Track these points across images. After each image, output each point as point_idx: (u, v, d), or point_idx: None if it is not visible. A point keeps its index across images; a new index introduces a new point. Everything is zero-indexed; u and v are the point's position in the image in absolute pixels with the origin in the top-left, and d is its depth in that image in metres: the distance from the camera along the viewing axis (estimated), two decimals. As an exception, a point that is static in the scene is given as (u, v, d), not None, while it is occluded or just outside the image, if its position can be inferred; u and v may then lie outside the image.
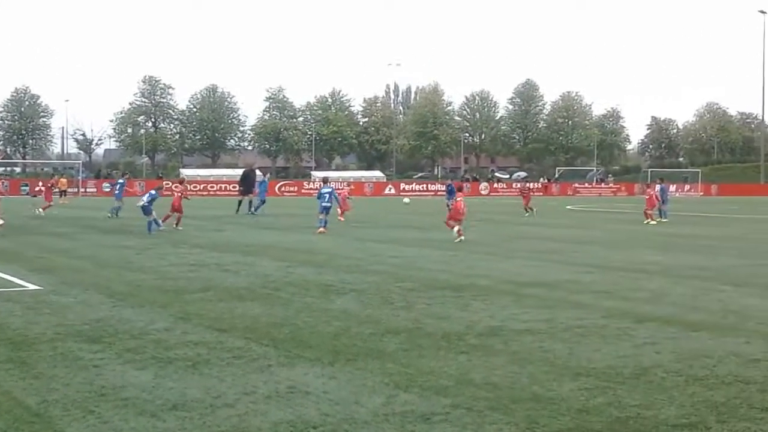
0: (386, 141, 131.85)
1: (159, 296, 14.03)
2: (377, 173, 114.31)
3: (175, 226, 29.35)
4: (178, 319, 11.81)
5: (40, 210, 38.34)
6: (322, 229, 28.64)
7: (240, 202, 41.62)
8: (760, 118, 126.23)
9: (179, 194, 31.26)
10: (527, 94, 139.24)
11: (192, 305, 13.06)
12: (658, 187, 40.07)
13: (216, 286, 15.28)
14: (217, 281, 15.93)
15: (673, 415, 7.30)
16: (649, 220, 36.17)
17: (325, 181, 34.69)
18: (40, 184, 52.70)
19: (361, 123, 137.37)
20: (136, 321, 11.65)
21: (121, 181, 42.70)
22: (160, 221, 28.48)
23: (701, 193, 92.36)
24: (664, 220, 37.86)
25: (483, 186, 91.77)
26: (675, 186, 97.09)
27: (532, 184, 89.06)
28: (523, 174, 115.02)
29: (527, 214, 41.37)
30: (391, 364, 9.17)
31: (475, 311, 12.74)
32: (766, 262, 20.31)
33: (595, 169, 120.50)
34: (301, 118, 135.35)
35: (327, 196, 29.92)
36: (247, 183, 42.60)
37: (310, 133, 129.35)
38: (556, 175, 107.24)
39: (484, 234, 29.00)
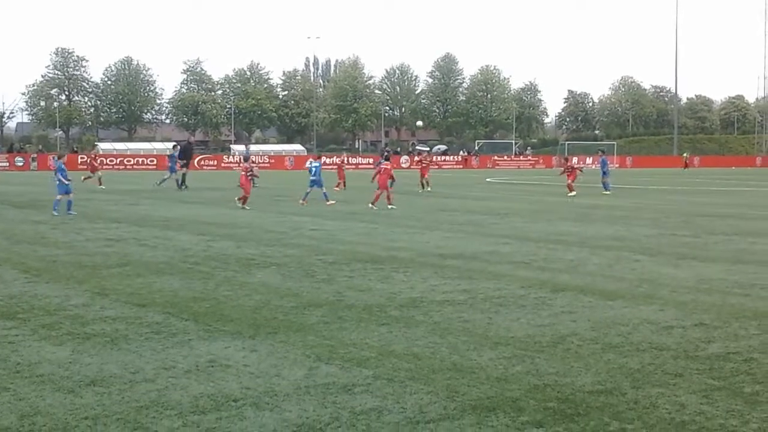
0: (306, 114, 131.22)
1: (75, 271, 13.77)
2: (297, 147, 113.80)
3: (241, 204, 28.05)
4: (95, 295, 11.62)
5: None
6: (302, 202, 29.95)
7: (184, 176, 40.90)
8: (673, 91, 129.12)
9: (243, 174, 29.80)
10: (447, 68, 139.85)
11: (109, 280, 12.86)
12: (600, 159, 40.76)
13: (134, 260, 15.06)
14: (135, 256, 15.70)
15: (589, 382, 7.45)
16: (571, 192, 36.37)
17: (318, 156, 35.61)
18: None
19: (280, 96, 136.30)
20: (51, 297, 11.43)
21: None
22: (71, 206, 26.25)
23: (617, 165, 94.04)
24: (606, 192, 38.30)
25: (404, 159, 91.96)
26: (591, 158, 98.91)
27: (438, 156, 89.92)
28: (443, 147, 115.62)
29: (422, 190, 39.82)
30: (312, 336, 9.17)
31: (396, 283, 12.80)
32: (679, 232, 20.80)
33: (518, 142, 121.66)
34: (219, 91, 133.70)
35: (314, 170, 30.81)
36: (187, 156, 42.70)
37: (228, 106, 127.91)
38: (476, 148, 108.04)
39: (406, 207, 29.09)
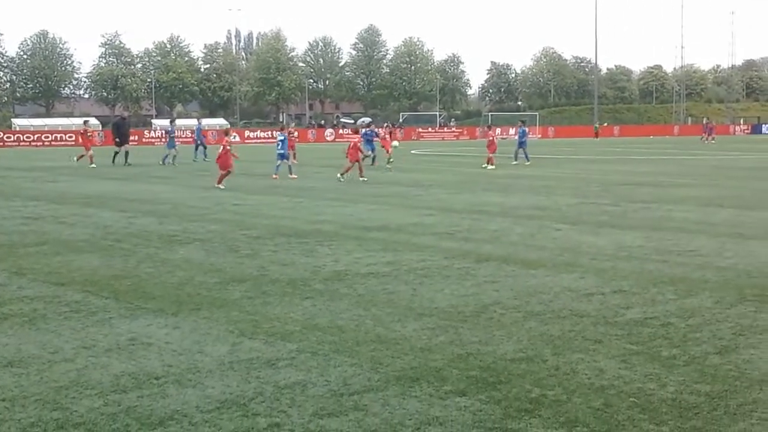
0: (229, 88, 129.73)
1: (-9, 251, 13.44)
2: (221, 120, 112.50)
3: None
4: (12, 274, 11.36)
5: None
6: (274, 176, 29.67)
7: (116, 153, 39.76)
8: (593, 61, 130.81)
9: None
10: (370, 40, 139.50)
11: (26, 259, 12.58)
12: (520, 129, 41.01)
13: (52, 239, 14.76)
14: (53, 234, 15.39)
15: (511, 350, 7.54)
16: (489, 164, 36.34)
17: (281, 128, 34.85)
18: None
19: (202, 70, 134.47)
20: (-34, 278, 11.13)
21: None
22: None
23: (539, 136, 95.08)
24: (527, 162, 38.52)
25: (329, 132, 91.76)
26: (514, 129, 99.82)
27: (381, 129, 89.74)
28: (367, 119, 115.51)
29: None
30: (236, 312, 9.10)
31: (321, 256, 12.78)
32: (599, 201, 21.14)
33: (442, 114, 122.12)
34: (139, 65, 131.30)
35: (280, 143, 30.53)
36: (121, 133, 40.66)
37: (149, 80, 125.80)
38: (401, 120, 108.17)
39: (330, 180, 29.03)
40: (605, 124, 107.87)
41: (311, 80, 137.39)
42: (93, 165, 36.94)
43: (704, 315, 8.84)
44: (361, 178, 28.34)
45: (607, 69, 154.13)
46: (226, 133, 28.09)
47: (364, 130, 36.86)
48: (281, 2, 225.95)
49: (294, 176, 29.56)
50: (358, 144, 29.84)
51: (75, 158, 38.60)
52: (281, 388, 6.52)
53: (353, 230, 15.86)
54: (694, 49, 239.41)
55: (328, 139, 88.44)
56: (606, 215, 18.11)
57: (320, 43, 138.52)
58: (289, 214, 18.72)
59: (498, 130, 69.46)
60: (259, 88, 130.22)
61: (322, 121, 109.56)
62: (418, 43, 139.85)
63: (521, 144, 40.11)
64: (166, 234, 15.31)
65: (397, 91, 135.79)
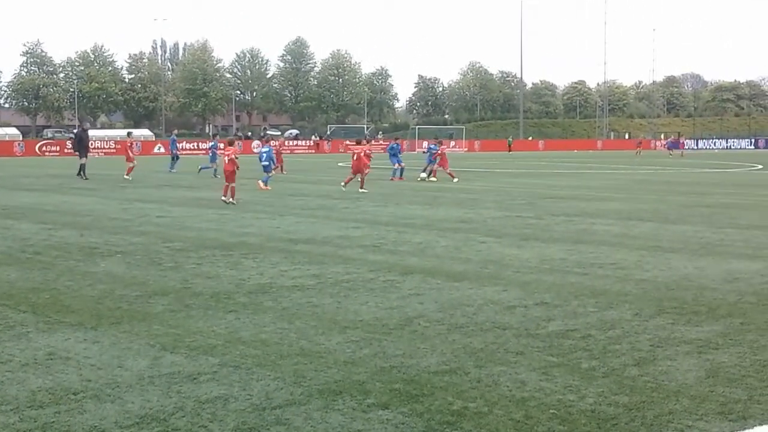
0: (154, 98, 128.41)
1: None
2: (145, 131, 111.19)
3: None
4: (-74, 288, 11.05)
5: None
6: (262, 185, 30.23)
7: (82, 167, 37.75)
8: (519, 76, 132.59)
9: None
10: (298, 52, 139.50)
11: (-59, 273, 12.24)
12: (432, 145, 41.07)
13: (-31, 251, 14.39)
14: (-30, 246, 15.00)
15: (435, 362, 7.58)
16: (453, 178, 36.19)
17: (267, 140, 35.47)
18: None
19: (127, 80, 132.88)
20: None
21: None
22: None
23: (465, 149, 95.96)
24: (423, 174, 38.41)
25: (255, 144, 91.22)
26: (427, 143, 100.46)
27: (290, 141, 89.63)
28: (295, 131, 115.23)
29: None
30: (158, 325, 8.98)
31: (245, 269, 12.69)
32: (523, 214, 21.39)
33: (370, 126, 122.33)
34: (62, 75, 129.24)
35: (264, 155, 31.41)
36: (82, 145, 38.68)
37: (72, 90, 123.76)
38: (328, 133, 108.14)
39: (256, 192, 28.88)
40: (530, 138, 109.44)
41: (238, 92, 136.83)
42: (128, 177, 36.34)
43: (623, 327, 9.00)
44: (360, 190, 29.02)
45: (533, 84, 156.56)
46: (231, 143, 26.79)
47: (391, 144, 38.05)
48: (208, 13, 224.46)
49: (268, 187, 29.97)
50: (362, 155, 30.28)
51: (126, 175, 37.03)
52: (202, 402, 6.45)
53: (279, 243, 15.79)
54: (617, 65, 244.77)
55: (255, 151, 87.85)
56: (530, 228, 18.33)
57: (248, 55, 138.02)
58: (214, 226, 18.56)
59: (425, 144, 69.78)
60: (185, 99, 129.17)
61: (249, 133, 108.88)
62: (346, 55, 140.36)
63: (431, 161, 39.72)
64: (87, 246, 15.05)
65: (324, 104, 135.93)
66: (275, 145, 39.93)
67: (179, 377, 7.09)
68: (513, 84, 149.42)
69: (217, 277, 11.96)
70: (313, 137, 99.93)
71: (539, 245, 15.53)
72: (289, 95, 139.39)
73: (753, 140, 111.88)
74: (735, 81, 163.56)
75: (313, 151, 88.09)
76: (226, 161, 25.11)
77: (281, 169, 41.30)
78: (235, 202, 24.21)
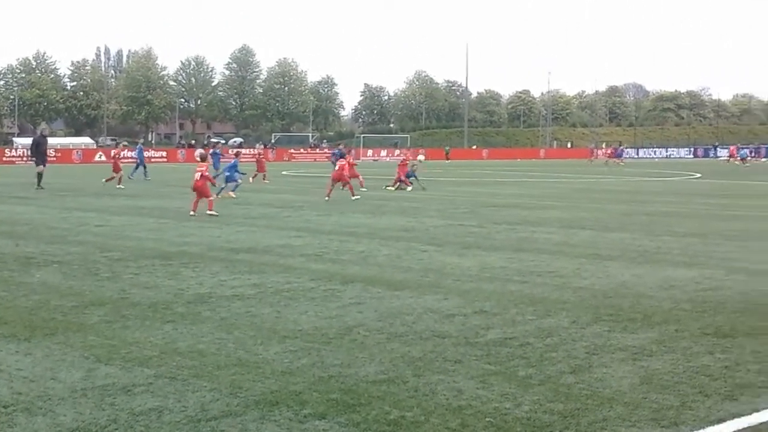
0: (97, 106, 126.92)
1: None
2: (86, 140, 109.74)
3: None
4: None
5: None
6: (231, 193, 29.80)
7: (40, 175, 35.93)
8: (464, 85, 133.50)
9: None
10: (243, 60, 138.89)
11: None
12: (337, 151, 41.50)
13: None
14: None
15: (373, 372, 7.57)
16: (405, 185, 36.29)
17: (236, 154, 34.57)
18: None
19: (68, 87, 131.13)
20: None
21: None
22: None
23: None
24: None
25: (198, 153, 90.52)
26: (386, 150, 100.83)
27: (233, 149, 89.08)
28: (239, 140, 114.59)
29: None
30: (93, 336, 8.84)
31: (184, 279, 12.57)
32: (465, 222, 21.49)
33: (315, 135, 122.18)
34: (1, 82, 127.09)
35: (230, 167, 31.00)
36: (39, 152, 36.70)
37: (12, 97, 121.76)
38: (273, 141, 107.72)
39: (199, 202, 28.60)
40: (474, 147, 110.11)
41: (182, 99, 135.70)
42: (120, 186, 36.34)
43: (561, 335, 9.08)
44: (353, 197, 29.55)
45: (478, 93, 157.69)
46: (203, 158, 26.34)
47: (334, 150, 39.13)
48: (153, 20, 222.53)
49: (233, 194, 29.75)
50: (345, 166, 30.89)
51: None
52: (136, 414, 6.36)
53: (220, 252, 15.67)
54: (560, 75, 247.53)
55: (198, 159, 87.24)
56: (471, 236, 18.43)
57: (192, 62, 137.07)
58: (153, 235, 18.36)
59: (369, 152, 69.99)
60: (129, 107, 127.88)
61: (193, 141, 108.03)
62: (292, 64, 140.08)
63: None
64: (22, 256, 14.78)
65: (270, 112, 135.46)
66: (257, 153, 39.81)
67: (113, 389, 6.99)
68: (458, 93, 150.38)
69: (155, 287, 11.83)
70: (257, 145, 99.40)
71: (480, 254, 15.61)
72: (234, 103, 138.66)
73: (692, 149, 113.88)
74: (676, 91, 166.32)
75: (256, 160, 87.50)
76: (198, 177, 24.14)
77: (264, 177, 41.83)
78: (216, 213, 23.10)
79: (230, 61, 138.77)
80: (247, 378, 7.35)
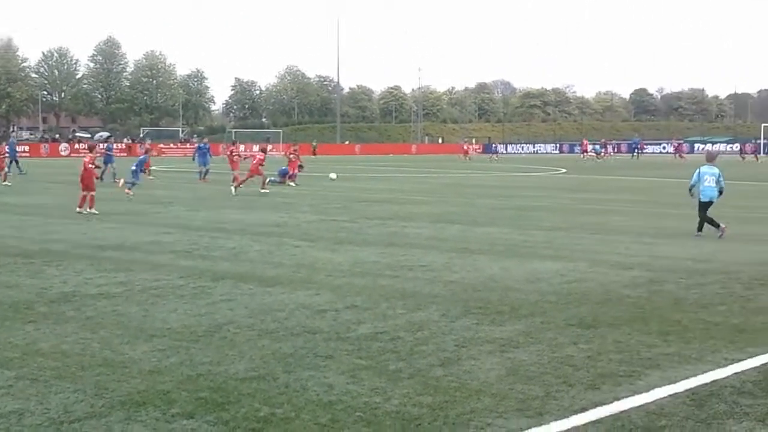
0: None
1: None
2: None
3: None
4: None
5: None
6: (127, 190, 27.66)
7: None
8: (336, 81, 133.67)
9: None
10: (109, 52, 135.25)
11: None
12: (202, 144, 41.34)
13: None
14: None
15: (243, 369, 7.50)
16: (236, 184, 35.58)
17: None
18: None
19: None
20: None
21: None
22: None
23: (283, 153, 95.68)
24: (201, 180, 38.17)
25: (63, 147, 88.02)
26: (258, 146, 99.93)
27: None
28: (105, 134, 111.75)
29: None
30: (-52, 339, 8.48)
31: (48, 278, 12.19)
32: (338, 218, 21.52)
33: (185, 129, 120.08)
34: None
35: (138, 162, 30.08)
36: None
37: None
38: (141, 135, 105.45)
39: (62, 197, 27.78)
40: (347, 142, 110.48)
41: (45, 92, 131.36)
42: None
43: (431, 328, 9.19)
44: (262, 191, 30.16)
45: (350, 88, 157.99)
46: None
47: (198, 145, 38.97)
48: (12, 10, 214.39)
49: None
50: (263, 160, 31.63)
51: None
52: (-5, 419, 6.13)
53: (86, 249, 15.26)
54: (430, 72, 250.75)
55: (62, 154, 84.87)
56: (344, 232, 18.47)
57: (55, 54, 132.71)
58: (15, 233, 17.74)
59: (242, 147, 69.15)
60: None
61: (57, 136, 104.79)
62: (160, 57, 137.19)
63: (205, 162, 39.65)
64: None
65: (138, 106, 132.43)
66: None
67: (-30, 393, 6.71)
68: (330, 88, 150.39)
69: (16, 287, 11.43)
70: (125, 139, 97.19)
71: (352, 249, 15.67)
72: (99, 96, 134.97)
73: (558, 145, 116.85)
74: (542, 88, 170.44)
75: (126, 154, 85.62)
76: (84, 169, 22.88)
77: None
78: (96, 212, 22.17)
79: (95, 53, 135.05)
80: (113, 378, 7.18)
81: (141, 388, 6.92)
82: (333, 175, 40.06)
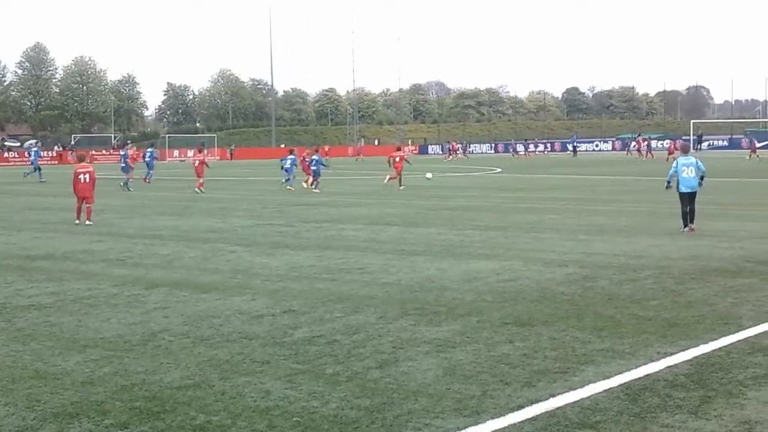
0: None
1: None
2: None
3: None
4: None
5: None
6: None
7: None
8: (270, 84, 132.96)
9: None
10: (37, 59, 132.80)
11: None
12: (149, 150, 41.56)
13: None
14: None
15: (178, 377, 7.41)
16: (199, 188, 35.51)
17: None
18: None
19: None
20: None
21: None
22: None
23: (218, 158, 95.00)
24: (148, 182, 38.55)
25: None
26: (192, 151, 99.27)
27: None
28: (35, 142, 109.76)
29: None
30: None
31: (-23, 289, 11.92)
32: (274, 222, 21.41)
33: (118, 136, 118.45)
34: None
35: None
36: None
37: None
38: (72, 143, 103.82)
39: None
40: (282, 146, 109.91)
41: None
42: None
43: (368, 331, 9.18)
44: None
45: (284, 92, 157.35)
46: (81, 158, 24.05)
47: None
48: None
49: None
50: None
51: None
52: None
53: (15, 260, 14.97)
54: (365, 74, 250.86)
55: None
56: (280, 236, 18.38)
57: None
58: (-58, 244, 17.32)
59: (176, 152, 68.68)
60: None
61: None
62: (90, 62, 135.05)
63: (150, 166, 40.86)
64: None
65: (68, 112, 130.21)
66: (201, 158, 37.32)
67: None
68: (264, 92, 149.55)
69: (-57, 300, 11.16)
70: (56, 147, 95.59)
71: (289, 252, 15.60)
72: (29, 104, 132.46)
73: (493, 145, 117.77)
74: (476, 88, 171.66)
75: (57, 162, 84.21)
76: (84, 180, 22.02)
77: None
78: (92, 222, 21.55)
79: (22, 59, 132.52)
80: (45, 390, 7.05)
81: (74, 399, 6.80)
82: (429, 175, 40.08)
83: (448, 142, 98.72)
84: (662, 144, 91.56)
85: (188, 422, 6.24)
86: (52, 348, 8.54)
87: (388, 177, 36.34)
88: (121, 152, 41.76)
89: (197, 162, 35.61)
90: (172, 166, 66.83)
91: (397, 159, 36.18)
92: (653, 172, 43.81)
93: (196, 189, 33.97)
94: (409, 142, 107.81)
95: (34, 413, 6.48)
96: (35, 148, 53.11)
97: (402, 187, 34.38)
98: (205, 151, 40.01)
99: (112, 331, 9.27)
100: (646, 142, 76.01)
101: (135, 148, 43.61)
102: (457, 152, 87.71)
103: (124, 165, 39.92)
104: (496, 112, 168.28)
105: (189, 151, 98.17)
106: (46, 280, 12.66)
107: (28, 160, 54.40)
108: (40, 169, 48.27)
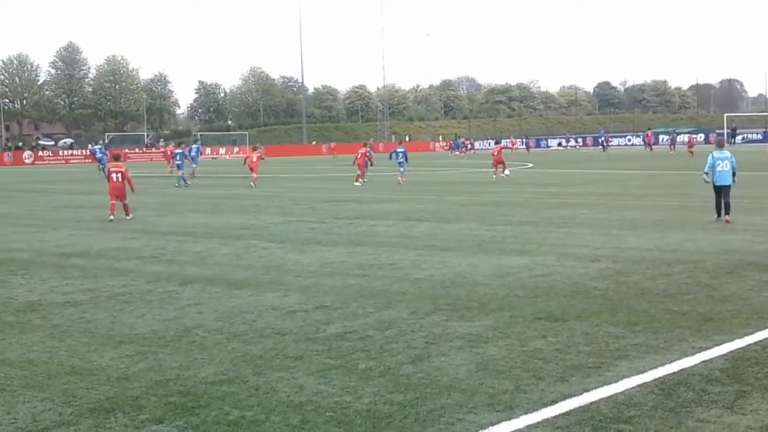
0: None
1: None
2: None
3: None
4: None
5: None
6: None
7: None
8: (301, 81, 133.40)
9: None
10: (70, 58, 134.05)
11: None
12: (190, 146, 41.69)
13: None
14: None
15: (212, 372, 7.46)
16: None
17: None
18: None
19: None
20: None
21: None
22: None
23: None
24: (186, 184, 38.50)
25: (27, 155, 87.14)
26: (225, 148, 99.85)
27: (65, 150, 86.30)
28: (70, 141, 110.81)
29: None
30: None
31: (13, 287, 12.08)
32: (306, 218, 21.48)
33: (150, 134, 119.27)
34: None
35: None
36: None
37: None
38: (106, 141, 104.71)
39: (26, 205, 27.56)
40: (314, 143, 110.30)
41: (6, 100, 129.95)
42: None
43: (400, 326, 9.19)
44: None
45: (315, 89, 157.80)
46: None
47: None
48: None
49: None
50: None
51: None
52: (-39, 431, 6.06)
53: (51, 257, 15.12)
54: (396, 70, 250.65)
55: (26, 161, 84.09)
56: (311, 232, 18.44)
57: (15, 61, 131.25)
58: (-21, 242, 17.54)
59: (208, 150, 69.16)
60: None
61: (20, 144, 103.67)
62: (122, 61, 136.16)
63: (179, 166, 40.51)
64: None
65: (101, 111, 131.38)
66: (258, 155, 38.34)
67: (-65, 406, 6.63)
68: (295, 89, 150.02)
69: (-19, 297, 11.30)
70: (89, 146, 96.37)
71: (320, 249, 15.64)
72: (62, 103, 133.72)
73: (524, 140, 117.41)
74: (506, 84, 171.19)
75: (90, 160, 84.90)
76: (116, 179, 22.54)
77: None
78: (132, 216, 22.13)
79: (56, 59, 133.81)
80: (81, 386, 7.12)
81: (110, 394, 6.87)
82: (507, 172, 40.15)
83: (458, 136, 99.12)
84: (698, 138, 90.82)
85: (222, 417, 6.28)
86: (88, 344, 8.62)
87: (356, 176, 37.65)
88: (176, 151, 41.91)
89: (255, 158, 37.76)
90: (205, 163, 67.18)
91: (359, 155, 38.45)
92: (684, 166, 43.45)
93: (251, 183, 36.10)
94: (440, 138, 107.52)
95: (71, 408, 6.55)
96: (99, 145, 53.46)
97: (358, 183, 36.45)
98: (261, 148, 41.47)
99: (147, 327, 9.35)
100: (671, 137, 77.75)
101: (183, 145, 43.81)
102: (468, 149, 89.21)
103: (179, 162, 40.15)
104: (527, 107, 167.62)
105: (221, 148, 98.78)
106: (81, 277, 12.78)
107: (94, 159, 55.37)
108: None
